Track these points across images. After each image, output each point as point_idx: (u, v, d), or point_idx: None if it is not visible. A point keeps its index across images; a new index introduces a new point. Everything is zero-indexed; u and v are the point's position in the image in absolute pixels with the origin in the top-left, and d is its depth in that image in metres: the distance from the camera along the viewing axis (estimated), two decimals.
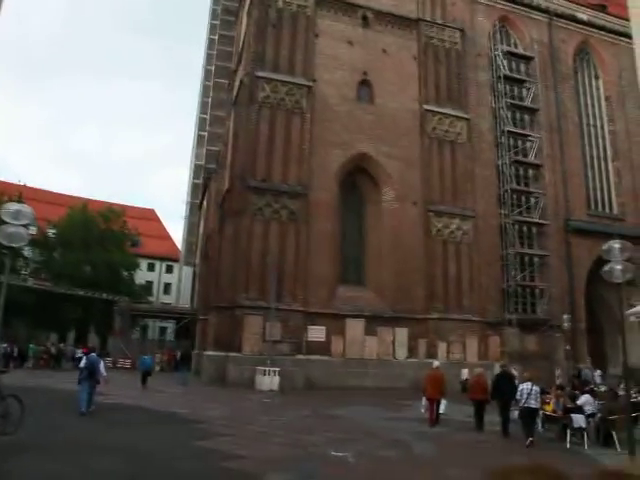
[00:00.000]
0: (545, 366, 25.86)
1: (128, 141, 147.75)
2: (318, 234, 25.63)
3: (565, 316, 28.73)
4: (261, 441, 11.05)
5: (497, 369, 19.99)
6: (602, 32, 36.67)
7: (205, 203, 42.26)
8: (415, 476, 8.75)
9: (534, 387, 11.84)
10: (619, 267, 9.89)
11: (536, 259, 31.05)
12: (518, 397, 11.92)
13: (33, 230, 11.66)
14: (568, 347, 28.26)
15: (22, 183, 61.96)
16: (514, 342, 28.46)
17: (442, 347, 26.59)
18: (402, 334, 26.44)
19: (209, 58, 51.00)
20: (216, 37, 48.92)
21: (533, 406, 11.73)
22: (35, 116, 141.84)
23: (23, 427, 9.63)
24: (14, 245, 11.76)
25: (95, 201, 53.35)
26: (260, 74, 26.37)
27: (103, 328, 46.88)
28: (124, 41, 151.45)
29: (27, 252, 45.19)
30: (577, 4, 37.36)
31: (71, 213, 48.18)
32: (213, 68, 48.04)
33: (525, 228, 31.40)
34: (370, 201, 28.65)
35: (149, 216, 69.05)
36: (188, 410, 14.92)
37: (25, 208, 11.43)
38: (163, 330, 53.88)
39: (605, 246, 10.12)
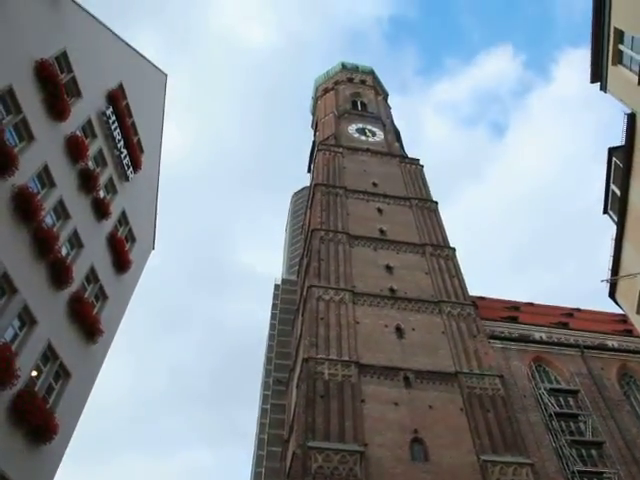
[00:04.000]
0: None
1: None
2: None
3: None
4: None
5: None
6: (636, 354, 37.88)
7: None
8: None
9: None
10: None
11: None
12: None
13: None
14: None
15: None
16: None
17: None
18: None
19: (262, 427, 53.00)
20: (268, 407, 51.90)
21: None
22: None
23: None
24: None
25: None
26: (312, 444, 27.22)
27: None
28: (180, 413, 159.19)
29: None
30: (604, 333, 39.85)
31: None
32: (266, 437, 49.46)
33: None
34: None
35: None
36: None
37: None
38: None
39: None
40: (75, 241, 17.86)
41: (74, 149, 17.68)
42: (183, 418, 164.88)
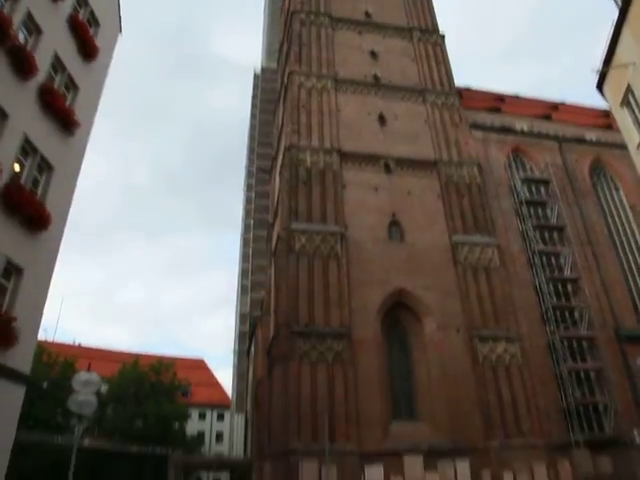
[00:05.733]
0: None
1: (175, 294, 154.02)
2: (366, 372, 26.04)
3: (635, 431, 27.20)
4: None
5: None
6: (613, 148, 38.65)
7: (253, 350, 43.33)
8: None
9: None
10: None
11: (592, 373, 30.22)
12: None
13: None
14: None
15: (77, 343, 65.09)
16: (586, 465, 26.82)
17: (508, 477, 25.34)
18: (464, 468, 25.41)
19: (247, 212, 55.35)
20: (253, 194, 53.49)
21: None
22: (86, 276, 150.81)
23: None
24: (84, 413, 12.84)
25: (146, 355, 55.20)
26: (295, 226, 28.71)
27: None
28: (170, 202, 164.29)
29: None
30: (584, 126, 40.02)
31: (123, 370, 49.88)
32: (252, 221, 51.94)
33: (575, 343, 30.95)
34: (414, 333, 29.19)
35: (199, 365, 70.26)
36: None
37: (93, 377, 12.69)
38: None
39: (638, 361, 10.57)
40: (32, 26, 16.35)
41: None
42: (174, 206, 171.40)
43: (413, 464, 24.96)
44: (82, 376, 12.41)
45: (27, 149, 15.56)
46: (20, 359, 13.38)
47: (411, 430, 26.22)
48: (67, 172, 17.59)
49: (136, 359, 51.13)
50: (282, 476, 23.74)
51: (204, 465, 46.29)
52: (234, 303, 60.99)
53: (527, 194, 34.48)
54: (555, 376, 29.29)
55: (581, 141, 38.45)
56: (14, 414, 13.17)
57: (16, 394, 13.24)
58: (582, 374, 30.07)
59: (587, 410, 29.00)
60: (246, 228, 54.05)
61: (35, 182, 15.93)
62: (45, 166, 16.36)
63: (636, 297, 34.31)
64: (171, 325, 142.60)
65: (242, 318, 51.50)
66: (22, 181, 15.16)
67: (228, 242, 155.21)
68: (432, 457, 25.23)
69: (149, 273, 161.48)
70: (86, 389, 12.18)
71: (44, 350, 41.15)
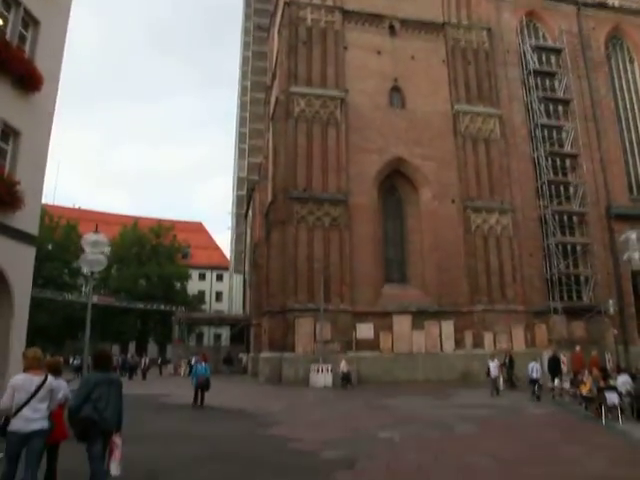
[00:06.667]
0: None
1: (173, 158, 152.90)
2: (361, 237, 26.87)
3: (610, 301, 28.87)
4: (318, 427, 12.39)
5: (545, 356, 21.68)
6: (634, 16, 36.41)
7: (250, 213, 44.09)
8: (448, 447, 9.86)
9: (536, 365, 18.38)
10: (637, 255, 10.75)
11: (579, 247, 31.25)
12: (529, 372, 18.36)
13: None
14: (615, 331, 28.40)
15: (77, 207, 66.13)
16: (561, 329, 28.84)
17: (488, 338, 27.35)
18: (448, 327, 27.35)
19: (244, 74, 53.06)
20: (250, 54, 50.90)
21: (534, 377, 18.02)
22: (83, 142, 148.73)
23: None
24: (94, 270, 13.47)
25: (146, 218, 56.36)
26: (294, 90, 27.85)
27: (161, 337, 49.71)
28: (163, 63, 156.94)
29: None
30: None
31: (124, 231, 51.28)
32: (249, 84, 49.94)
33: (566, 218, 31.58)
34: (409, 202, 29.67)
35: (197, 229, 71.97)
36: (253, 406, 16.43)
37: (101, 237, 13.11)
38: (218, 336, 56.21)
39: (622, 237, 11.02)
40: None
41: None
42: (167, 67, 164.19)
43: (401, 323, 26.74)
44: (90, 237, 12.75)
45: (9, 1, 14.65)
46: (27, 221, 13.68)
47: (401, 293, 27.69)
48: (54, 26, 16.71)
49: (136, 222, 52.38)
50: (280, 331, 25.45)
51: (205, 321, 49.36)
52: (231, 168, 61.02)
53: (536, 63, 32.98)
54: (543, 248, 30.31)
55: (602, 6, 35.95)
56: (28, 273, 13.77)
57: (28, 255, 13.75)
58: (569, 247, 31.09)
59: (569, 281, 30.44)
60: (243, 90, 52.08)
61: (22, 39, 15.21)
62: (30, 21, 15.51)
63: (632, 176, 34.47)
64: (169, 190, 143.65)
65: (240, 182, 51.62)
66: (7, 37, 14.48)
67: (225, 106, 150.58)
68: (420, 318, 26.99)
69: (146, 137, 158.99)
70: (95, 249, 12.60)
71: (45, 213, 41.93)
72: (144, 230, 51.73)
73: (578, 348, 20.43)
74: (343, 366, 23.14)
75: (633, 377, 14.03)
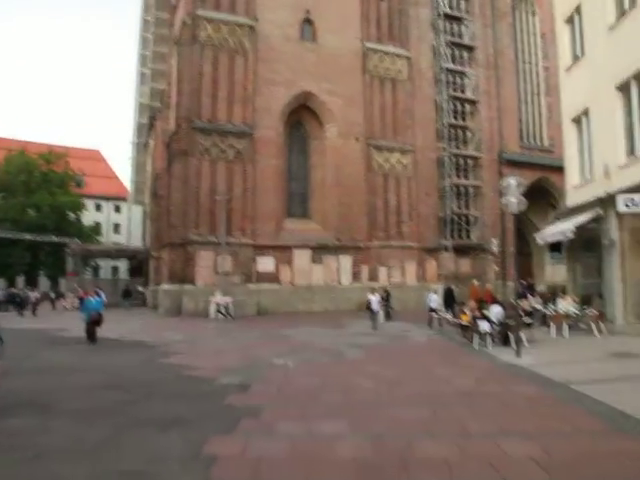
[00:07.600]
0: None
1: (70, 83, 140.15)
2: (264, 171, 26.75)
3: (494, 240, 31.29)
4: (216, 356, 12.71)
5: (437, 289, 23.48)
6: None
7: (152, 142, 42.05)
8: (337, 371, 10.57)
9: (433, 296, 19.56)
10: (515, 200, 11.68)
11: (471, 189, 33.19)
12: (427, 302, 19.37)
13: None
14: (496, 268, 31.05)
15: None
16: (450, 265, 31.08)
17: (383, 272, 28.89)
18: (346, 261, 28.48)
19: None
20: None
21: (432, 307, 19.08)
22: None
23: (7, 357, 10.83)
24: None
25: (35, 144, 52.09)
26: (201, 13, 26.33)
27: (54, 271, 47.24)
28: None
29: None
30: None
31: (9, 156, 47.21)
32: (153, 0, 46.19)
33: (462, 161, 33.21)
34: (314, 138, 29.72)
35: (94, 157, 67.66)
36: (151, 338, 16.41)
37: None
38: (115, 269, 54.42)
39: (504, 182, 11.91)
40: None
41: None
42: None
43: (301, 256, 27.43)
44: None
45: None
46: None
47: (303, 227, 28.22)
48: None
49: (23, 147, 48.30)
50: (180, 264, 25.17)
51: (102, 253, 47.26)
52: (132, 93, 57.11)
53: (447, 6, 33.40)
54: (439, 189, 31.92)
55: None
56: None
57: None
58: (462, 189, 32.93)
59: (460, 221, 32.48)
60: (147, 9, 48.08)
61: None
62: None
63: (524, 125, 36.65)
64: (63, 113, 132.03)
65: (141, 109, 48.58)
66: None
67: (130, 23, 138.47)
68: (319, 252, 27.84)
69: (42, 55, 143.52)
70: None
71: None
72: (33, 156, 47.83)
73: (475, 282, 21.87)
74: (219, 299, 23.16)
75: (504, 308, 15.52)
